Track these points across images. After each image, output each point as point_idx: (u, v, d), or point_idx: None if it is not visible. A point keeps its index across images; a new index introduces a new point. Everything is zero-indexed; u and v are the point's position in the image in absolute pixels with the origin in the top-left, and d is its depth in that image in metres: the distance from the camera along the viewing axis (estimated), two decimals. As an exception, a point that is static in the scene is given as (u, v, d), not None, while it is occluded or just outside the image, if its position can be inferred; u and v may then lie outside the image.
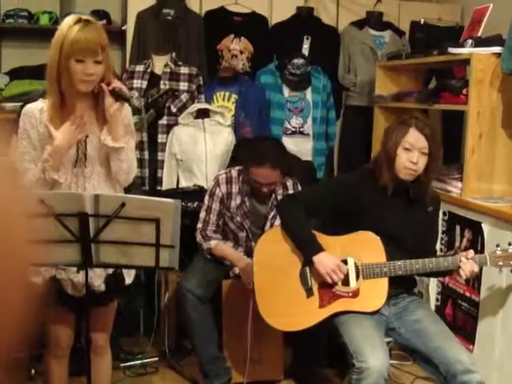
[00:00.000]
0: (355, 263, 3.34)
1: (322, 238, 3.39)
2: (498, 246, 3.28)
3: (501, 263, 3.25)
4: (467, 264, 3.23)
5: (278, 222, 4.01)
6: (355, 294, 3.33)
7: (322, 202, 3.47)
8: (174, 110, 4.99)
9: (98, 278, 2.95)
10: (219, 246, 4.11)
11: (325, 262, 3.31)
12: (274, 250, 3.49)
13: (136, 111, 4.63)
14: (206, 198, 4.16)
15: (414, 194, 3.36)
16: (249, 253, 4.04)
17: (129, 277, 3.10)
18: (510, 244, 3.26)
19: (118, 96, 2.84)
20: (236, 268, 4.01)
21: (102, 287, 2.98)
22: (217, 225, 4.16)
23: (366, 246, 3.34)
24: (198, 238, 4.13)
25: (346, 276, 3.34)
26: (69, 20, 2.81)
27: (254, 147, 4.12)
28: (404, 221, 3.35)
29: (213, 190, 4.13)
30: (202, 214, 4.16)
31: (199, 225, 4.15)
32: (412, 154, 3.26)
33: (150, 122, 4.87)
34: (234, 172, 4.15)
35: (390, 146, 3.29)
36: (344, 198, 3.38)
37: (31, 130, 2.86)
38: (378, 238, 3.31)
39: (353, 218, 3.36)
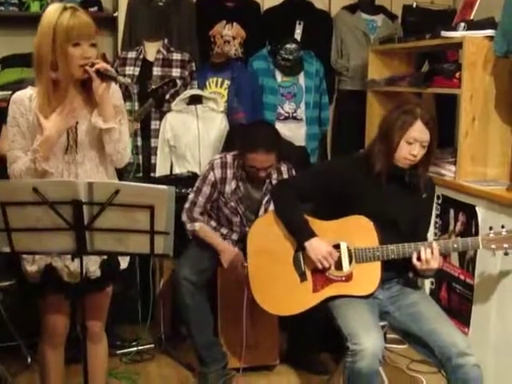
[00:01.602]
0: (348, 247, 3.35)
1: (315, 223, 3.40)
2: (491, 228, 3.28)
3: (493, 246, 3.24)
4: (422, 251, 3.23)
5: (272, 206, 4.01)
6: (348, 277, 3.34)
7: (315, 186, 3.46)
8: (167, 96, 4.98)
9: (93, 264, 2.95)
10: (204, 229, 4.12)
11: (316, 248, 3.32)
12: (267, 235, 3.50)
13: (126, 90, 4.61)
14: (198, 180, 4.17)
15: (410, 180, 3.36)
16: (243, 238, 4.04)
17: (124, 261, 3.10)
18: (503, 227, 3.26)
19: (104, 76, 2.82)
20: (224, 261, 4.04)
21: (98, 273, 2.98)
22: (204, 207, 4.16)
23: (359, 231, 3.34)
24: (184, 217, 4.13)
25: (339, 260, 3.35)
26: (54, 8, 2.79)
27: (248, 133, 4.12)
28: (398, 206, 3.34)
29: (206, 174, 4.13)
30: (191, 195, 4.16)
31: (186, 205, 4.15)
32: (413, 147, 3.24)
33: (148, 111, 4.85)
34: (229, 157, 4.15)
35: (393, 137, 3.24)
36: (337, 183, 3.38)
37: (20, 118, 2.84)
38: (371, 222, 3.31)
39: (347, 202, 3.36)
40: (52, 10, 2.79)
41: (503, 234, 3.24)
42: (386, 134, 3.28)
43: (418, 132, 3.23)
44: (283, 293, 3.41)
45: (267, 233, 3.50)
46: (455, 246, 3.28)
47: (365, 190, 3.33)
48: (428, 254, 3.22)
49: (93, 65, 2.80)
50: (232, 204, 4.12)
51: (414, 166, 3.32)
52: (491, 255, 3.33)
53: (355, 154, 3.51)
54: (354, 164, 3.43)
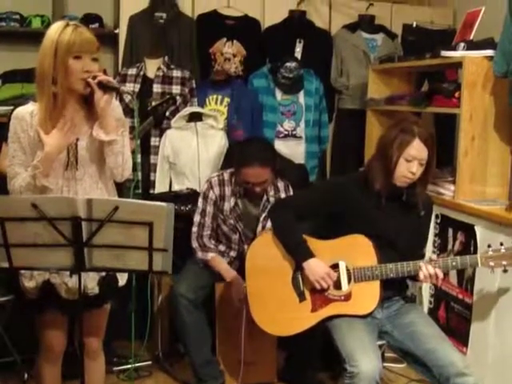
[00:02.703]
0: (347, 267, 3.34)
1: (314, 243, 3.40)
2: (489, 246, 3.27)
3: (492, 263, 3.24)
4: (423, 267, 3.23)
5: (269, 223, 4.01)
6: (347, 297, 3.33)
7: (313, 205, 3.46)
8: (166, 113, 4.98)
9: (91, 281, 2.95)
10: (217, 260, 4.11)
11: (314, 268, 3.32)
12: (265, 256, 3.50)
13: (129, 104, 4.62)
14: (200, 200, 4.16)
15: (408, 199, 3.36)
16: (241, 255, 4.05)
17: (122, 278, 3.09)
18: (501, 244, 3.25)
19: (107, 88, 2.82)
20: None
21: (96, 290, 2.98)
22: (212, 228, 4.16)
23: (358, 250, 3.34)
24: (195, 244, 4.13)
25: (338, 279, 3.34)
26: (57, 25, 2.82)
27: (242, 149, 4.12)
28: (397, 225, 3.34)
29: (206, 193, 4.13)
30: (197, 218, 4.16)
31: (194, 229, 4.15)
32: (412, 165, 3.24)
33: (148, 129, 4.87)
34: (226, 174, 4.15)
35: (391, 155, 3.24)
36: (335, 202, 3.38)
37: (22, 134, 2.84)
38: (369, 241, 3.31)
39: (345, 221, 3.36)
40: (55, 27, 2.82)
41: (502, 252, 3.23)
42: (385, 152, 3.28)
43: (417, 150, 3.23)
44: (282, 313, 3.41)
45: (265, 253, 3.50)
46: (454, 263, 3.28)
47: (363, 209, 3.33)
48: (430, 270, 3.22)
49: (95, 77, 2.81)
50: (231, 221, 4.12)
51: (411, 185, 3.32)
52: (490, 273, 3.32)
53: (354, 173, 3.50)
54: (353, 183, 3.42)
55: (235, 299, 3.96)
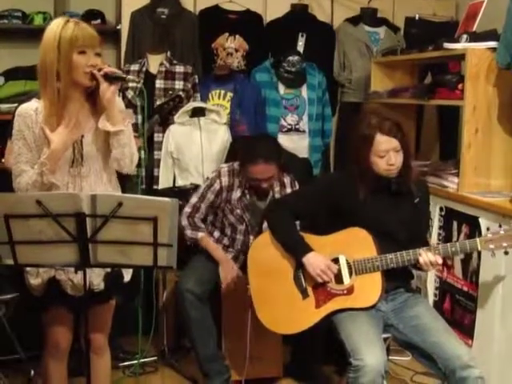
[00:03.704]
0: (347, 260, 3.34)
1: (311, 239, 3.40)
2: (488, 229, 3.26)
3: (492, 246, 3.21)
4: (423, 254, 3.23)
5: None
6: (350, 290, 3.33)
7: (308, 203, 3.47)
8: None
9: (97, 277, 2.95)
10: (206, 239, 4.14)
11: (314, 263, 3.32)
12: (266, 256, 3.51)
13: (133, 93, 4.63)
14: (203, 186, 4.18)
15: (397, 188, 3.35)
16: (246, 246, 4.06)
17: (127, 274, 3.10)
18: (500, 226, 3.23)
19: (113, 78, 2.83)
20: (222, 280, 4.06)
21: (102, 286, 2.98)
22: (205, 215, 4.18)
23: (357, 242, 3.34)
24: (184, 221, 4.14)
25: (339, 274, 3.34)
26: (57, 21, 2.82)
27: (247, 146, 4.13)
28: (393, 216, 3.34)
29: (212, 182, 4.14)
30: (194, 200, 4.18)
31: (187, 209, 4.17)
32: (388, 157, 3.24)
33: (153, 127, 4.87)
34: (236, 165, 4.16)
35: (363, 158, 3.25)
36: (331, 198, 3.39)
37: (26, 131, 2.84)
38: (368, 232, 3.30)
39: (342, 216, 3.36)
40: (56, 23, 2.82)
41: (501, 233, 3.21)
42: (356, 158, 3.30)
43: (383, 143, 3.23)
44: (287, 312, 3.41)
45: (266, 253, 3.51)
46: (453, 249, 3.27)
47: (358, 203, 3.33)
48: (431, 257, 3.22)
49: (100, 70, 2.81)
50: (238, 211, 4.12)
51: (399, 173, 3.31)
52: (495, 266, 3.31)
53: (348, 168, 3.48)
54: (346, 178, 3.42)
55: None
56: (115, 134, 2.86)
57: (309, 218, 3.60)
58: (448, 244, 3.31)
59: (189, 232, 4.13)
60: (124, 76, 2.90)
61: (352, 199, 3.33)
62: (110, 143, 2.90)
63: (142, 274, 4.12)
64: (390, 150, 3.22)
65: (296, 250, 3.40)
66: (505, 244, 3.21)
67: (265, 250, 3.52)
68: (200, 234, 4.13)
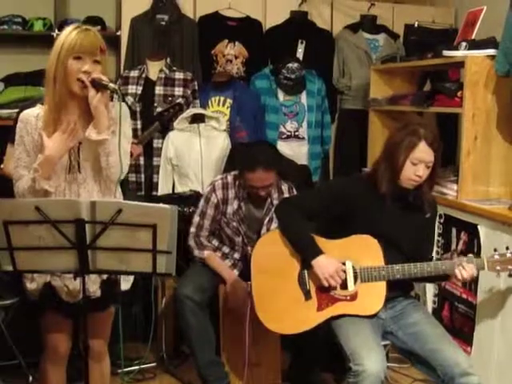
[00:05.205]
0: (353, 266, 3.34)
1: (320, 242, 3.38)
2: (495, 250, 3.27)
3: (498, 268, 3.24)
4: (467, 268, 3.22)
5: (273, 226, 4.03)
6: (353, 297, 3.33)
7: (317, 206, 3.45)
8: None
9: (93, 284, 2.93)
10: (212, 257, 4.14)
11: (324, 266, 3.29)
12: (271, 254, 3.48)
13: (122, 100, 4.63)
14: (201, 202, 4.17)
15: (414, 200, 3.36)
16: (245, 257, 4.05)
17: (126, 283, 3.09)
18: (507, 248, 3.25)
19: (98, 85, 2.79)
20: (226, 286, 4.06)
21: (98, 293, 2.97)
22: (210, 230, 4.18)
23: (365, 250, 3.33)
24: (191, 243, 4.15)
25: (344, 279, 3.33)
26: (68, 28, 2.83)
27: (246, 153, 4.13)
28: (401, 226, 3.34)
29: (208, 196, 4.13)
30: (196, 219, 4.17)
31: (192, 229, 4.17)
32: (418, 168, 3.23)
33: (154, 134, 4.87)
34: (230, 177, 4.15)
35: (397, 158, 3.24)
36: (340, 203, 3.37)
37: (26, 137, 2.84)
38: (377, 241, 3.30)
39: (349, 222, 3.35)
40: (66, 29, 2.83)
41: (508, 256, 3.23)
42: (391, 155, 3.27)
43: (423, 153, 3.23)
44: (288, 312, 3.39)
45: (271, 251, 3.49)
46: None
47: (369, 209, 3.32)
48: (471, 270, 3.22)
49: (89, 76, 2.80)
50: (234, 224, 4.12)
51: (417, 187, 3.32)
52: (496, 276, 3.32)
53: (358, 173, 3.49)
54: (358, 184, 3.43)
55: (232, 301, 4.01)
56: (100, 142, 2.82)
57: (314, 221, 3.58)
58: (455, 261, 3.29)
59: (196, 252, 4.15)
60: (106, 84, 2.82)
61: (362, 204, 3.33)
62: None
63: (140, 282, 4.12)
64: (423, 162, 3.23)
65: (306, 251, 3.37)
66: (511, 267, 3.24)
67: (270, 247, 3.49)
68: (206, 253, 4.14)
